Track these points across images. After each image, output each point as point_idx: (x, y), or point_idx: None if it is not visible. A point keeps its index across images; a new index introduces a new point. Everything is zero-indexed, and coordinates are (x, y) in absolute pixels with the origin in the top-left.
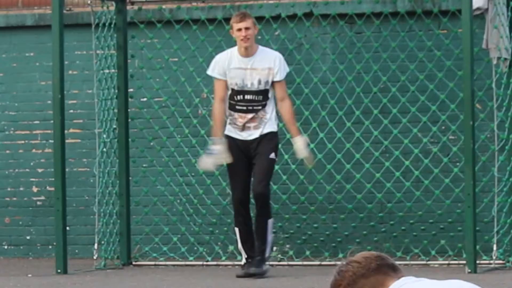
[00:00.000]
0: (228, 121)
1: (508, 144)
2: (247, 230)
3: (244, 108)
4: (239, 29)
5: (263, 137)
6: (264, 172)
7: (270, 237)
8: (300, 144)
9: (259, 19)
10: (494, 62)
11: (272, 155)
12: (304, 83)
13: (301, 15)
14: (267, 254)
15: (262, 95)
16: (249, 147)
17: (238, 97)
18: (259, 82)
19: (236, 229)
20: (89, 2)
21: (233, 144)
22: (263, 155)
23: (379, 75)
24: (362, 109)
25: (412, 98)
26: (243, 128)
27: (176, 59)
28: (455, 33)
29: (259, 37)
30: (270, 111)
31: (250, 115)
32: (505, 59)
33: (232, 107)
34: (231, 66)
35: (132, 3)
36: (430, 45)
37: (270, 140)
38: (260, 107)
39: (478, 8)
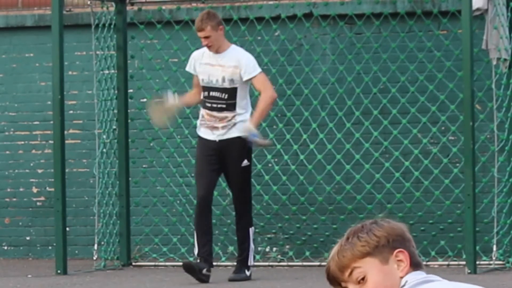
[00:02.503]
0: (199, 121)
1: (508, 145)
2: (207, 233)
3: (209, 105)
4: (200, 37)
5: (234, 140)
6: (240, 181)
7: (252, 245)
8: (247, 123)
9: (259, 19)
10: (494, 62)
11: (245, 162)
12: (304, 84)
13: (301, 15)
14: (250, 262)
15: (227, 94)
16: (219, 149)
17: (205, 93)
18: (223, 79)
19: (196, 234)
20: (89, 2)
21: (204, 144)
22: (235, 165)
23: (379, 76)
24: (362, 110)
25: (412, 99)
26: (212, 128)
27: (176, 60)
28: (455, 34)
29: (259, 38)
30: (241, 113)
31: (214, 113)
32: (505, 59)
33: (202, 104)
34: (202, 61)
35: (132, 4)
36: (430, 46)
37: (242, 145)
38: (224, 106)
39: (478, 9)
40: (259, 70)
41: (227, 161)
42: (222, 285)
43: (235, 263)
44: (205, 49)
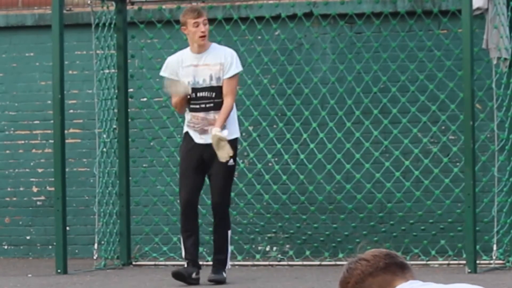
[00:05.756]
0: (187, 123)
1: (508, 144)
2: (193, 236)
3: (197, 106)
4: (197, 24)
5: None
6: (223, 181)
7: (229, 248)
8: (214, 131)
9: (259, 19)
10: (494, 62)
11: (231, 162)
12: (304, 83)
13: (301, 15)
14: (228, 266)
15: (215, 92)
16: (205, 151)
17: (192, 95)
18: (211, 77)
19: (181, 237)
20: (89, 2)
21: (189, 143)
22: (222, 165)
23: (379, 75)
24: (362, 109)
25: (412, 98)
26: (202, 131)
27: None
28: (455, 33)
29: (259, 37)
30: None
31: (202, 114)
32: (505, 59)
33: (187, 107)
34: (183, 65)
35: (132, 3)
36: (430, 45)
37: (229, 145)
38: (212, 105)
39: (478, 8)
40: (240, 69)
41: (213, 161)
42: (220, 286)
43: (237, 262)
44: (181, 54)
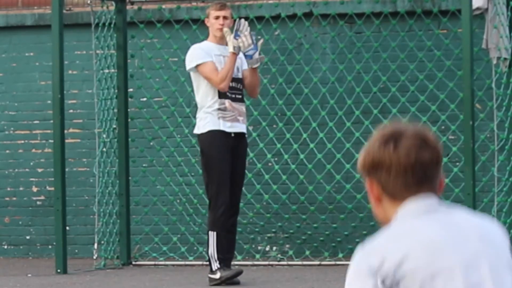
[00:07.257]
0: (215, 115)
1: (508, 144)
2: (224, 235)
3: (233, 96)
4: (217, 17)
5: (244, 137)
6: (243, 181)
7: None
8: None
9: (259, 19)
10: (494, 62)
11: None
12: (304, 83)
13: (300, 15)
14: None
15: (241, 84)
16: (233, 144)
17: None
18: (238, 69)
19: (214, 234)
20: (88, 2)
21: (221, 139)
22: (243, 163)
23: (379, 75)
24: (362, 109)
25: (412, 98)
26: (234, 120)
27: (176, 59)
28: (455, 33)
29: (259, 37)
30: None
31: (236, 105)
32: (505, 59)
33: (222, 95)
34: (212, 53)
35: (132, 3)
36: (430, 45)
37: (246, 145)
38: (240, 96)
39: (478, 8)
40: None
41: (236, 158)
42: (219, 286)
43: (237, 262)
44: (205, 43)
